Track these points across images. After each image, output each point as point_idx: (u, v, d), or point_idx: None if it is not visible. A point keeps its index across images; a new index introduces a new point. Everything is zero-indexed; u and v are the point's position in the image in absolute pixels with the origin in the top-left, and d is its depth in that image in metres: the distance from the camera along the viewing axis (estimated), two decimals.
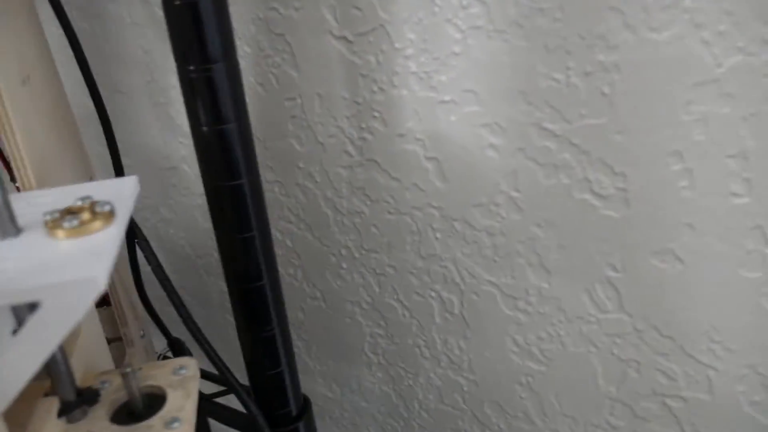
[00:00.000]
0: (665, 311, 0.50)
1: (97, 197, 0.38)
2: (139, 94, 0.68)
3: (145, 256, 0.54)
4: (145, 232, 0.81)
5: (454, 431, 0.68)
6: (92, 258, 0.33)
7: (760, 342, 0.47)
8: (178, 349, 0.67)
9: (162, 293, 0.53)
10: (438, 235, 0.57)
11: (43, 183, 0.43)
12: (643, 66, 0.42)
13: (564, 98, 0.46)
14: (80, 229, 0.35)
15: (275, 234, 0.68)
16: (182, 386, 0.43)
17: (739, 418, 0.51)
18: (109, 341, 0.61)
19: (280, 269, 0.70)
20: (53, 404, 0.40)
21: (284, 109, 0.59)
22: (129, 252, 0.57)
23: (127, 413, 0.43)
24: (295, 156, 0.61)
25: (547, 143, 0.48)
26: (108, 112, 0.72)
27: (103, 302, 0.59)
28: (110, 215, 0.36)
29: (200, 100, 0.43)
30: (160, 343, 0.66)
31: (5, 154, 0.42)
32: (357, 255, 0.63)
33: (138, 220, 0.80)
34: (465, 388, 0.64)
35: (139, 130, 0.71)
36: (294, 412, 0.56)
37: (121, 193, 0.39)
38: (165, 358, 0.67)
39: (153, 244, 0.82)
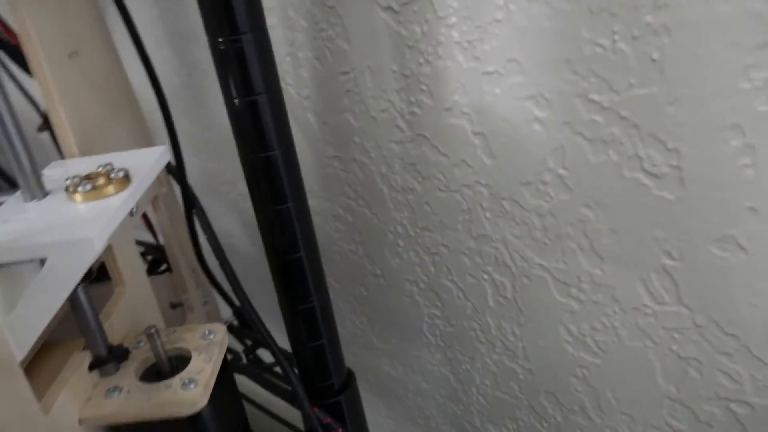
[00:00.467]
0: (727, 306, 0.44)
1: (124, 165, 0.40)
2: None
3: (201, 226, 0.56)
4: (225, 205, 0.85)
5: (512, 420, 0.65)
6: (95, 220, 0.34)
7: None
8: (243, 317, 0.69)
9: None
10: (488, 214, 0.54)
11: (86, 152, 0.45)
12: (696, 27, 0.38)
13: (610, 66, 0.42)
14: (94, 193, 0.37)
15: (337, 209, 0.68)
16: (207, 350, 0.44)
17: None
18: (174, 306, 0.64)
19: (343, 245, 0.71)
20: (85, 358, 0.42)
21: (339, 84, 0.58)
22: (188, 221, 0.60)
23: (155, 373, 0.45)
24: (351, 131, 0.61)
25: (595, 116, 0.44)
26: (192, 89, 0.76)
27: (167, 268, 0.62)
28: (125, 181, 0.38)
29: (230, 72, 0.44)
30: (225, 312, 0.69)
31: (51, 125, 0.45)
32: (412, 233, 0.62)
33: (218, 194, 0.84)
34: (521, 376, 0.61)
35: (220, 107, 0.74)
36: (336, 386, 0.56)
37: (147, 162, 0.41)
38: (231, 325, 0.69)
39: (232, 217, 0.85)
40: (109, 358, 0.43)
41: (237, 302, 0.68)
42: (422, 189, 0.58)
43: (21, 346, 0.35)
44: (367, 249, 0.68)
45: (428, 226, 0.60)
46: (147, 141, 0.55)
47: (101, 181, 0.37)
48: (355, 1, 0.53)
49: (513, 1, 0.44)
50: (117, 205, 0.36)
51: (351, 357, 0.72)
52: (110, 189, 0.37)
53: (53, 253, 0.33)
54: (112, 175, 0.37)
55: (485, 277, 0.58)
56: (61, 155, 0.45)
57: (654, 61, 0.40)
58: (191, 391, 0.41)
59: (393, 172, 0.59)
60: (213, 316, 0.65)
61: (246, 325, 0.69)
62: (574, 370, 0.56)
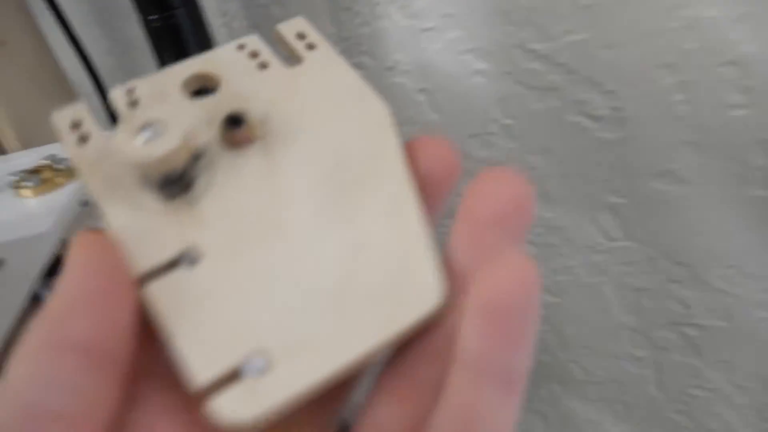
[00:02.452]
0: (675, 237, 0.46)
1: (63, 155, 0.39)
2: None
3: None
4: None
5: None
6: (45, 215, 0.34)
7: None
8: None
9: None
10: None
11: (28, 144, 0.44)
12: None
13: (545, 14, 0.42)
14: (43, 187, 0.36)
15: None
16: None
17: (763, 345, 0.47)
18: None
19: None
20: None
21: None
22: None
23: None
24: None
25: (534, 65, 0.45)
26: (127, 67, 0.74)
27: None
28: (71, 171, 0.37)
29: (165, 50, 0.43)
30: None
31: None
32: None
33: None
34: None
35: None
36: None
37: None
38: None
39: None
40: None
41: None
42: None
43: None
44: None
45: None
46: None
47: (47, 173, 0.36)
48: None
49: None
50: (66, 196, 0.36)
51: None
52: (59, 180, 0.36)
53: (9, 253, 0.33)
54: (57, 166, 0.37)
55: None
56: (1, 149, 0.44)
57: (587, 6, 0.41)
58: None
59: None
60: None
61: None
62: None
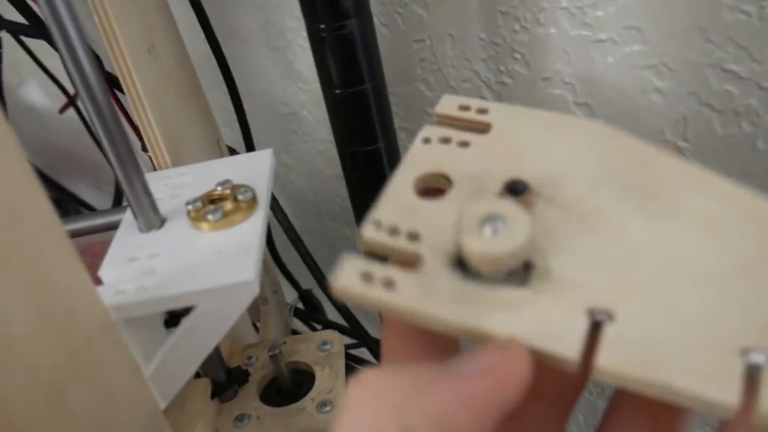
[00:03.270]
0: None
1: (235, 179, 0.36)
2: (255, 38, 0.65)
3: (277, 218, 0.53)
4: None
5: None
6: (242, 257, 0.31)
7: None
8: (308, 300, 0.67)
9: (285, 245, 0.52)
10: None
11: (174, 151, 0.41)
12: None
13: (754, 35, 0.38)
14: (224, 221, 0.33)
15: None
16: (329, 364, 0.42)
17: None
18: None
19: None
20: (205, 386, 0.39)
21: (412, 52, 0.54)
22: None
23: (275, 390, 0.42)
24: (423, 101, 0.56)
25: (729, 87, 0.41)
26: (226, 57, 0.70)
27: None
28: (252, 203, 0.34)
29: (332, 60, 0.39)
30: (290, 294, 0.66)
31: (135, 124, 0.40)
32: None
33: None
34: None
35: (257, 76, 0.69)
36: None
37: (259, 173, 0.37)
38: (296, 309, 0.66)
39: (274, 189, 0.81)
40: (229, 383, 0.40)
41: (303, 286, 0.65)
42: None
43: (165, 397, 0.32)
44: None
45: None
46: (213, 129, 0.51)
47: (229, 205, 0.33)
48: None
49: None
50: (252, 233, 0.32)
51: None
52: (239, 216, 0.33)
53: (206, 300, 0.29)
54: (240, 197, 0.33)
55: None
56: (150, 158, 0.41)
57: None
58: (328, 414, 0.38)
59: None
60: (282, 304, 0.62)
61: (313, 308, 0.66)
62: None
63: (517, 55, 0.48)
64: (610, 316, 0.16)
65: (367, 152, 0.42)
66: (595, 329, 0.16)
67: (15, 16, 0.48)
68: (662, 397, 0.15)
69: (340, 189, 0.71)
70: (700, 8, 0.39)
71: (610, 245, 0.18)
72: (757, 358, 0.15)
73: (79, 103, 0.69)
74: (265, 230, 0.33)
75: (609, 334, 0.16)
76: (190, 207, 0.34)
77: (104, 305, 0.27)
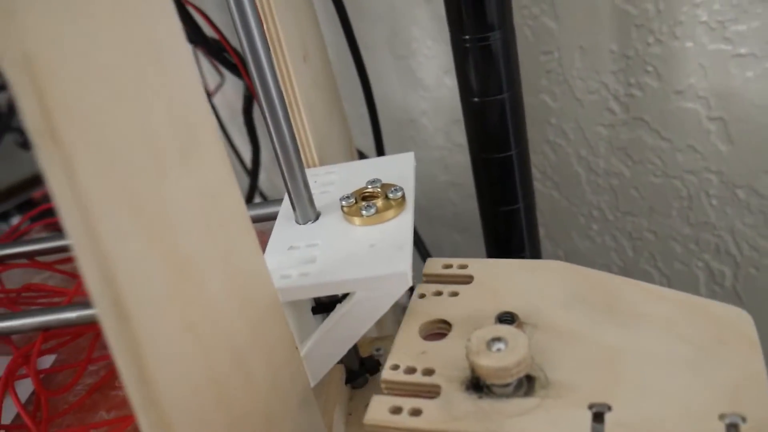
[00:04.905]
0: None
1: (382, 179, 0.38)
2: (381, 47, 0.68)
3: None
4: None
5: None
6: (395, 250, 0.33)
7: None
8: None
9: None
10: (714, 201, 0.51)
11: (321, 153, 0.44)
12: None
13: None
14: (376, 217, 0.35)
15: None
16: None
17: None
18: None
19: None
20: (341, 372, 0.42)
21: (539, 64, 0.55)
22: None
23: None
24: (547, 112, 0.57)
25: None
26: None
27: None
28: (402, 201, 0.36)
29: (473, 70, 0.41)
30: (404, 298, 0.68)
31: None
32: (611, 217, 0.59)
33: None
34: None
35: (379, 82, 0.72)
36: None
37: (403, 174, 0.39)
38: None
39: None
40: (362, 371, 0.43)
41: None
42: (631, 174, 0.55)
43: (314, 377, 0.35)
44: (549, 230, 0.66)
45: (632, 210, 0.57)
46: (348, 133, 0.54)
47: (380, 203, 0.35)
48: None
49: None
50: (402, 229, 0.35)
51: None
52: (390, 213, 0.35)
53: (363, 288, 0.32)
54: (390, 195, 0.36)
55: (699, 264, 0.55)
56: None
57: None
58: None
59: (595, 155, 0.56)
60: (397, 306, 0.64)
61: None
62: None
63: (649, 68, 0.49)
64: (608, 407, 0.20)
65: (500, 159, 0.44)
66: (597, 420, 0.20)
67: None
68: None
69: (453, 195, 0.73)
70: None
71: (591, 352, 0.22)
72: (734, 419, 0.19)
73: (215, 104, 0.75)
74: (413, 227, 0.35)
75: (610, 421, 0.19)
76: (344, 203, 0.36)
77: (274, 288, 0.30)
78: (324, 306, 0.36)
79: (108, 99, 0.19)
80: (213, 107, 0.74)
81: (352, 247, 0.34)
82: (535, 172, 0.62)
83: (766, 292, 0.52)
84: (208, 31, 0.52)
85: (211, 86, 0.75)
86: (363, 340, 0.48)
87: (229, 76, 0.62)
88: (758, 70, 0.44)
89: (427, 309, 0.27)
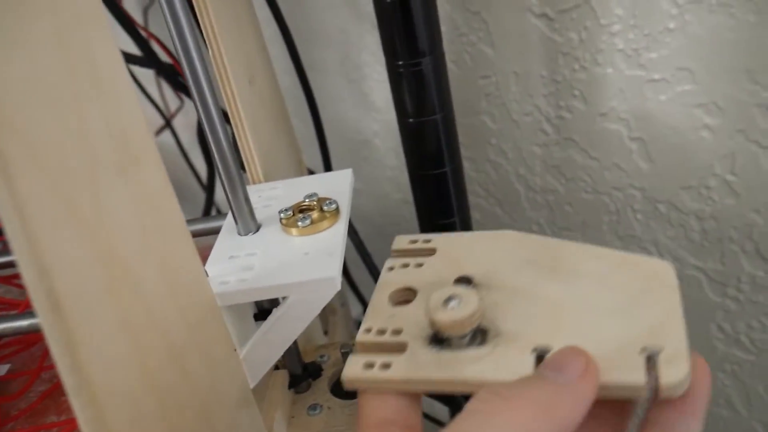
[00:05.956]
0: None
1: (320, 193, 0.41)
2: (334, 71, 0.71)
3: (348, 237, 0.58)
4: None
5: None
6: (327, 257, 0.36)
7: None
8: None
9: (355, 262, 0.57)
10: (639, 216, 0.55)
11: (267, 170, 0.46)
12: None
13: None
14: (311, 228, 0.38)
15: None
16: None
17: None
18: None
19: None
20: (284, 377, 0.44)
21: (477, 87, 0.59)
22: None
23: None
24: (487, 133, 0.61)
25: None
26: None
27: None
28: (336, 213, 0.39)
29: (407, 93, 0.45)
30: (356, 309, 0.71)
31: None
32: (549, 231, 0.62)
33: None
34: None
35: (332, 104, 0.75)
36: None
37: (340, 189, 0.42)
38: (359, 323, 0.71)
39: None
40: (304, 376, 0.45)
41: (368, 301, 0.70)
42: (565, 190, 0.58)
43: (253, 378, 0.37)
44: None
45: (569, 225, 0.60)
46: (297, 152, 0.56)
47: (316, 215, 0.38)
48: (503, 7, 0.53)
49: (689, 11, 0.44)
50: (335, 238, 0.37)
51: None
52: (325, 223, 0.38)
53: (296, 292, 0.34)
54: (325, 208, 0.39)
55: None
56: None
57: None
58: None
59: (532, 173, 0.60)
60: (348, 317, 0.67)
61: None
62: (722, 366, 0.57)
63: (576, 92, 0.52)
64: (549, 350, 0.24)
65: (435, 175, 0.47)
66: (540, 360, 0.24)
67: (129, 47, 0.56)
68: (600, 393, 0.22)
69: (405, 212, 0.76)
70: (748, 52, 0.43)
71: (536, 306, 0.26)
72: (652, 351, 0.23)
73: (174, 126, 0.77)
74: (345, 236, 0.38)
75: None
76: (282, 215, 0.39)
77: (212, 292, 0.33)
78: (265, 313, 0.39)
79: (47, 116, 0.22)
80: (172, 129, 0.76)
81: (287, 255, 0.37)
82: (479, 190, 0.66)
83: (689, 300, 0.56)
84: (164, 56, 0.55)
85: (173, 109, 0.77)
86: (309, 346, 0.50)
87: (188, 99, 0.65)
88: (670, 94, 0.48)
89: (395, 279, 0.30)
